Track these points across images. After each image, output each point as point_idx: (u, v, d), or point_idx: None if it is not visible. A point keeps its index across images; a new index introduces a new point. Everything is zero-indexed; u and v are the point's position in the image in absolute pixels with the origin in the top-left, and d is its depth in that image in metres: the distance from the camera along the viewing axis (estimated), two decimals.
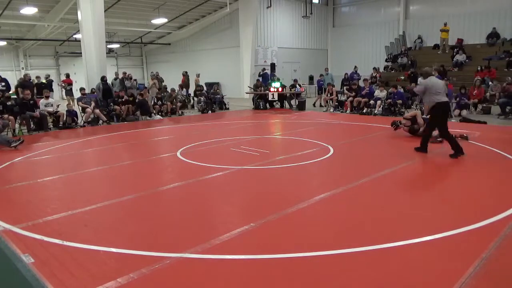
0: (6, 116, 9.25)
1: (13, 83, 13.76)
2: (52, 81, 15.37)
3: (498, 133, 8.64)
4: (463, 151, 6.27)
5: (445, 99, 6.50)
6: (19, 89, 11.78)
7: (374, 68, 18.18)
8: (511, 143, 7.41)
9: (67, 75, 17.17)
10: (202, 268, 2.90)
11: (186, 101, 16.29)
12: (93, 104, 11.63)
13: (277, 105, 15.38)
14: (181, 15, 21.03)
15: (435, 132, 7.61)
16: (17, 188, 5.16)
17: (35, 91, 12.36)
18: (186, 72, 18.21)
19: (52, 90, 13.53)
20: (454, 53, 17.50)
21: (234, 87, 20.55)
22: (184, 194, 4.81)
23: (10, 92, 12.34)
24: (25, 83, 12.36)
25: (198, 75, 17.87)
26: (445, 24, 18.33)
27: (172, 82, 17.67)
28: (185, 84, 17.33)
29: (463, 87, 11.76)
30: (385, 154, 6.93)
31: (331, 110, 13.78)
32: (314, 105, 15.55)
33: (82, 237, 3.45)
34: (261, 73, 18.14)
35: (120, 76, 14.66)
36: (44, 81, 14.73)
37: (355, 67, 18.24)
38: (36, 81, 14.02)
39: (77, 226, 3.73)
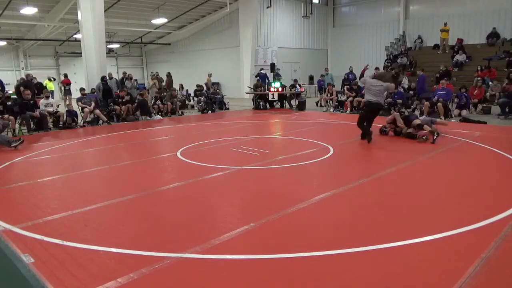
0: (6, 116, 9.25)
1: (13, 83, 13.76)
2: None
3: (498, 133, 8.64)
4: (370, 140, 7.62)
5: (371, 99, 7.62)
6: (21, 88, 11.78)
7: (377, 68, 18.21)
8: (511, 143, 7.41)
9: (65, 75, 17.19)
10: (202, 268, 2.90)
11: (187, 101, 16.29)
12: (93, 104, 11.63)
13: (277, 105, 15.39)
14: (181, 15, 21.04)
15: (422, 133, 7.64)
16: (17, 188, 5.16)
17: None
18: (169, 73, 17.96)
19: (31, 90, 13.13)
20: (454, 53, 17.50)
21: (234, 87, 20.57)
22: (184, 194, 4.81)
23: (10, 92, 12.36)
24: (27, 83, 12.35)
25: (210, 75, 17.79)
26: (445, 24, 18.34)
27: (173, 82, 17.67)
28: (169, 86, 17.01)
29: (464, 87, 11.76)
30: (385, 154, 6.93)
31: (331, 110, 13.79)
32: (317, 104, 15.59)
33: (82, 237, 3.45)
34: (258, 72, 18.12)
35: (121, 76, 14.65)
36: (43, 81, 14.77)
37: (350, 67, 18.26)
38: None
39: (77, 226, 3.73)
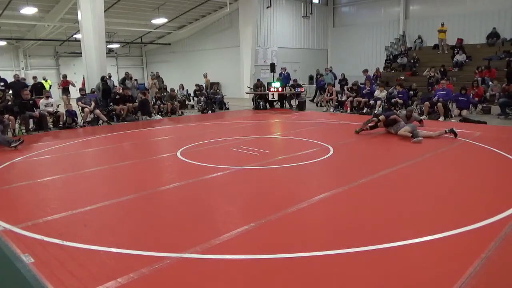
0: (6, 116, 9.24)
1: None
2: None
3: (498, 133, 8.64)
4: None
5: None
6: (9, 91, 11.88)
7: (377, 70, 18.29)
8: (511, 143, 7.41)
9: (64, 76, 17.07)
10: (202, 268, 2.90)
11: (187, 101, 16.28)
12: (93, 104, 11.63)
13: (277, 105, 15.39)
14: (181, 15, 21.03)
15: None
16: (17, 188, 5.16)
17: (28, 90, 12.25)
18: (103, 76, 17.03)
19: None
20: (454, 53, 17.50)
21: (234, 87, 20.56)
22: (184, 194, 4.81)
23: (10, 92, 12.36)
24: (14, 84, 12.33)
25: (205, 75, 17.82)
26: (442, 25, 18.31)
27: (173, 82, 17.68)
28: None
29: (464, 88, 11.73)
30: (385, 154, 6.93)
31: (331, 110, 13.79)
32: (317, 104, 15.62)
33: (82, 237, 3.45)
34: (283, 73, 18.15)
35: (122, 76, 14.61)
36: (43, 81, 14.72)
37: (326, 68, 18.25)
38: (33, 81, 13.98)
39: (77, 226, 3.72)
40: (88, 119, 11.43)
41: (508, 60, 15.32)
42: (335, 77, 17.72)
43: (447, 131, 7.84)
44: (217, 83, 18.97)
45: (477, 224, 3.53)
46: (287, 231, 3.53)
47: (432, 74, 15.42)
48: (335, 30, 24.79)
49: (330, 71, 17.98)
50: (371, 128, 8.66)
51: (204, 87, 16.40)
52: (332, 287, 2.61)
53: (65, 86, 15.83)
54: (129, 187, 5.09)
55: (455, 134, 7.80)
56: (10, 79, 13.12)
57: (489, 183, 4.98)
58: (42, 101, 10.86)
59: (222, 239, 3.33)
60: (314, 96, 17.93)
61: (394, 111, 9.48)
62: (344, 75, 17.53)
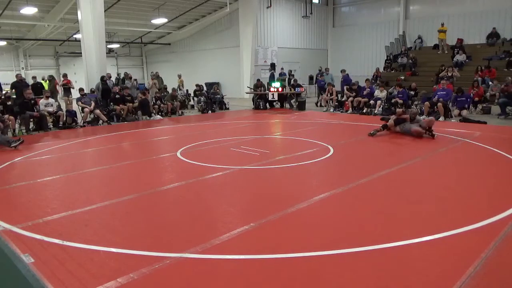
0: (6, 116, 9.24)
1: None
2: None
3: (498, 133, 8.64)
4: None
5: None
6: (12, 90, 11.87)
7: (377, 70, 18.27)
8: (511, 143, 7.41)
9: (65, 75, 17.04)
10: (202, 268, 2.90)
11: (187, 101, 16.27)
12: (93, 104, 11.63)
13: (277, 105, 15.38)
14: (181, 15, 21.04)
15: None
16: (17, 188, 5.16)
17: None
18: (52, 76, 15.93)
19: None
20: (454, 53, 17.49)
21: (234, 87, 20.56)
22: (184, 194, 4.80)
23: (12, 91, 12.38)
24: (15, 83, 12.34)
25: (179, 76, 17.83)
26: (442, 25, 18.31)
27: (173, 82, 17.69)
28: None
29: (460, 90, 11.68)
30: (385, 154, 6.93)
31: (331, 110, 13.79)
32: (316, 104, 15.64)
33: (82, 237, 3.45)
34: (280, 72, 18.14)
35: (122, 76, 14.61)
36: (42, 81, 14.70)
37: (326, 68, 18.28)
38: (32, 81, 13.97)
39: (77, 226, 3.72)
40: (88, 119, 11.43)
41: None
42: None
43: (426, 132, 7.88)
44: (217, 83, 18.97)
45: (477, 224, 3.53)
46: (287, 231, 3.53)
47: (450, 74, 14.96)
48: (335, 30, 24.79)
49: (326, 70, 18.02)
50: (384, 128, 8.59)
51: (200, 88, 16.32)
52: (332, 287, 2.61)
53: (66, 84, 15.81)
54: (129, 187, 5.09)
55: (433, 136, 7.80)
56: (10, 79, 13.14)
57: (489, 183, 4.98)
58: (42, 101, 10.85)
59: (222, 239, 3.33)
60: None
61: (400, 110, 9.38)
62: (349, 75, 17.49)
